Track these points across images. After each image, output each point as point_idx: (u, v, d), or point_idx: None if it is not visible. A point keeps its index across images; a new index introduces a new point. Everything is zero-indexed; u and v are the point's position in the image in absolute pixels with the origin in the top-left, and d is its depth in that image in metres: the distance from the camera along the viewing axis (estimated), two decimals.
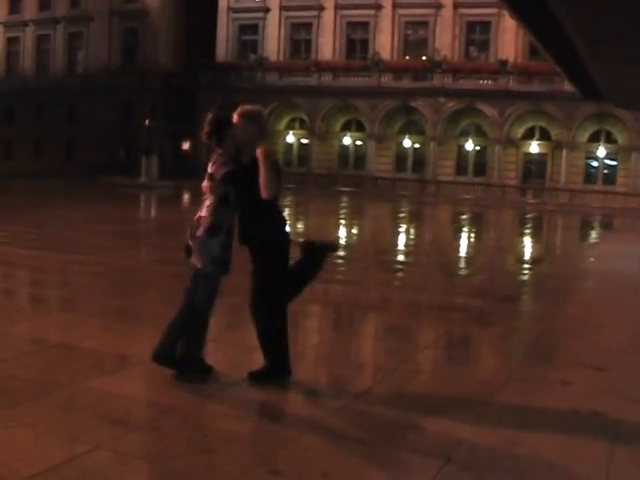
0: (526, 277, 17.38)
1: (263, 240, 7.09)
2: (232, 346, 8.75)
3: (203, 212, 7.16)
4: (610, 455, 5.89)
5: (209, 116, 7.39)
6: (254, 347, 7.36)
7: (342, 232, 26.75)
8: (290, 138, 61.94)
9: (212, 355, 7.53)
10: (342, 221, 30.74)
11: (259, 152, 6.94)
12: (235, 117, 7.22)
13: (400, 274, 16.33)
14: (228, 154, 7.22)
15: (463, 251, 23.19)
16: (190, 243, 7.23)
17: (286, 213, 34.24)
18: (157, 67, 61.64)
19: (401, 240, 25.53)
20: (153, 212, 33.53)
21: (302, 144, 61.69)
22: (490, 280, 16.05)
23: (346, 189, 51.45)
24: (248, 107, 7.43)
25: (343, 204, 41.89)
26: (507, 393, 7.48)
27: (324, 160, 59.64)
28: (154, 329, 9.25)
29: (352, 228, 29.19)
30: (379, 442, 5.88)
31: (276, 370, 7.22)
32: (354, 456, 5.65)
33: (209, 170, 7.29)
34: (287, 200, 43.12)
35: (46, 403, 6.33)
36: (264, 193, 6.85)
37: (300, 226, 28.83)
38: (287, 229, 7.31)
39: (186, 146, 64.82)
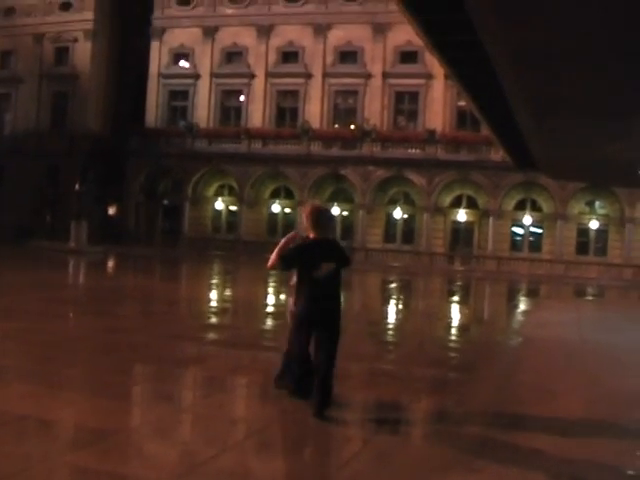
0: (472, 345, 17.43)
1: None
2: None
3: None
4: None
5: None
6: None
7: (271, 300, 26.65)
8: (219, 205, 61.83)
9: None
10: (270, 289, 30.62)
11: (287, 236, 9.44)
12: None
13: (345, 342, 16.23)
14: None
15: (405, 321, 23.13)
16: None
17: (214, 281, 34.18)
18: (86, 131, 61.23)
19: (347, 309, 25.43)
20: (86, 278, 32.98)
21: (231, 211, 61.62)
22: (439, 349, 16.01)
23: None
24: (310, 203, 10.16)
25: (272, 272, 41.71)
26: (485, 460, 7.44)
27: (253, 227, 59.57)
28: (118, 400, 9.14)
29: (281, 296, 28.90)
30: None
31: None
32: None
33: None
34: (215, 267, 42.99)
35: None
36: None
37: (228, 293, 28.68)
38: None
39: (112, 211, 64.37)
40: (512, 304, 31.56)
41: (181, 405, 9.70)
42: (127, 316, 18.45)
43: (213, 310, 21.68)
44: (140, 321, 17.34)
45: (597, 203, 55.23)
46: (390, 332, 19.12)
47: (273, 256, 9.15)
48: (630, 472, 7.51)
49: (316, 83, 58.94)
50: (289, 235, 9.45)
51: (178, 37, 62.13)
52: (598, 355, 15.49)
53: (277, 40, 59.89)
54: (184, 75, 62.31)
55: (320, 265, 9.00)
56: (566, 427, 8.90)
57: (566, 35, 10.89)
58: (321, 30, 58.64)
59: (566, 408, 10.11)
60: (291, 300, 9.69)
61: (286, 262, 9.17)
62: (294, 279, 9.41)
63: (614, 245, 54.05)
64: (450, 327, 21.31)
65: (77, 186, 50.90)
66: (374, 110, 57.59)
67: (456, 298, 32.92)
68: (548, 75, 13.20)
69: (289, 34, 59.54)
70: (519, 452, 7.89)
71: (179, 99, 63.15)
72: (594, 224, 54.63)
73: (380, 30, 56.90)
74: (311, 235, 9.20)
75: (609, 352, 16.05)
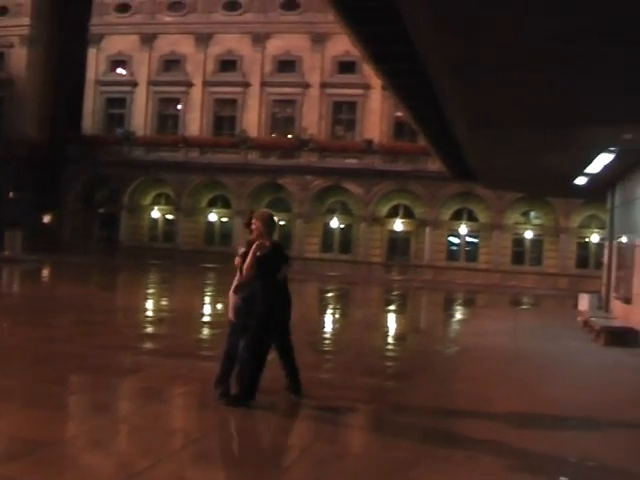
0: (409, 354, 17.54)
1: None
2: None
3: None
4: None
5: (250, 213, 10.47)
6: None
7: (207, 309, 26.56)
8: (155, 214, 61.42)
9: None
10: (207, 298, 30.54)
11: (254, 246, 9.71)
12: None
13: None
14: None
15: (343, 330, 23.14)
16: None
17: (151, 290, 33.94)
18: (23, 137, 60.19)
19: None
20: (21, 287, 32.56)
21: (167, 220, 61.25)
22: (377, 358, 16.07)
23: (212, 265, 51.07)
24: (261, 210, 10.79)
25: (209, 281, 41.62)
26: (421, 470, 7.49)
27: (190, 236, 59.31)
28: (54, 411, 9.03)
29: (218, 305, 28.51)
30: None
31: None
32: None
33: (243, 250, 9.96)
34: (152, 276, 42.70)
35: None
36: (244, 274, 9.73)
37: (165, 303, 28.46)
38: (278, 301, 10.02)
39: (47, 219, 63.53)
40: (449, 313, 31.80)
41: (117, 416, 9.61)
42: (63, 326, 18.26)
43: (150, 319, 21.55)
44: (76, 331, 17.15)
45: (532, 213, 55.99)
46: (328, 341, 19.14)
47: (249, 268, 9.71)
48: (563, 478, 7.63)
49: (254, 92, 58.90)
50: (256, 244, 9.82)
51: (116, 44, 61.63)
52: (533, 364, 15.67)
53: (216, 49, 59.73)
54: (121, 82, 61.85)
55: (281, 268, 10.02)
56: (501, 435, 8.99)
57: (501, 49, 11.04)
58: (260, 39, 58.65)
59: (501, 417, 10.21)
60: (235, 297, 10.04)
61: (264, 269, 9.81)
62: (237, 278, 10.00)
63: (549, 255, 54.82)
64: (388, 336, 21.42)
65: (11, 194, 50.12)
66: (312, 120, 57.73)
67: (394, 307, 33.08)
68: (483, 87, 13.35)
69: (228, 43, 59.43)
70: (455, 460, 7.96)
71: (116, 107, 62.62)
72: (529, 234, 55.37)
73: (319, 40, 57.07)
74: (267, 241, 9.90)
75: (543, 360, 16.24)
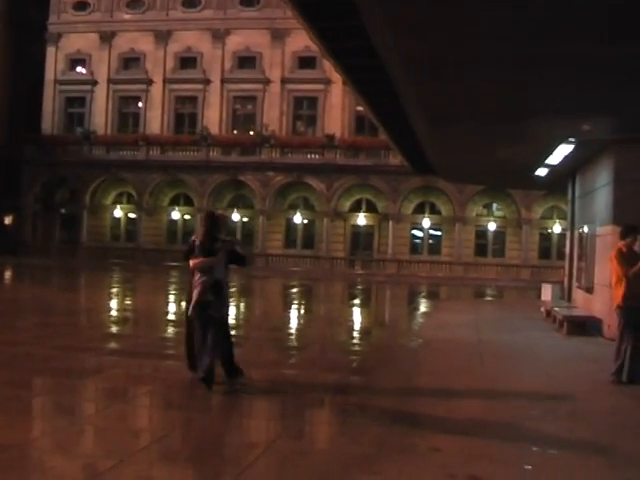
0: (373, 349, 17.56)
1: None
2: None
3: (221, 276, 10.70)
4: None
5: (206, 212, 11.61)
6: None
7: (171, 308, 26.44)
8: (117, 213, 61.18)
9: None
10: (170, 297, 30.43)
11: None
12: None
13: (247, 349, 16.22)
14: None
15: (307, 326, 23.12)
16: (210, 298, 10.51)
17: (114, 290, 33.75)
18: None
19: (249, 316, 25.35)
20: None
21: (130, 219, 61.01)
22: (341, 354, 16.08)
23: (175, 264, 50.85)
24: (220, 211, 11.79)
25: (172, 279, 41.43)
26: (383, 463, 7.50)
27: (152, 235, 59.12)
28: (16, 414, 8.95)
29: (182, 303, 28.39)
30: None
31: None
32: None
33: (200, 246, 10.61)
34: (115, 276, 42.47)
35: None
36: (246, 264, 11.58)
37: (128, 302, 28.28)
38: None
39: (8, 220, 63.07)
40: (412, 307, 31.87)
41: (81, 417, 9.55)
42: (25, 328, 18.09)
43: (113, 320, 21.41)
44: (39, 333, 17.00)
45: (494, 205, 56.45)
46: (292, 338, 19.14)
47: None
48: (528, 467, 7.68)
49: (215, 89, 58.88)
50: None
51: (74, 42, 61.32)
52: (496, 355, 15.72)
53: (175, 46, 59.62)
54: (81, 81, 61.56)
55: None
56: (463, 427, 9.05)
57: (455, 45, 11.08)
58: (219, 36, 58.55)
59: (464, 409, 10.26)
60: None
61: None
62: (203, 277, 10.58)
63: (512, 246, 55.30)
64: (352, 331, 21.41)
65: None
66: (273, 116, 57.79)
67: (357, 302, 33.13)
68: (439, 83, 13.39)
69: (187, 40, 59.33)
70: (418, 452, 7.98)
71: (76, 106, 62.33)
72: (492, 226, 55.76)
73: (278, 36, 57.09)
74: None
75: (506, 352, 16.31)
